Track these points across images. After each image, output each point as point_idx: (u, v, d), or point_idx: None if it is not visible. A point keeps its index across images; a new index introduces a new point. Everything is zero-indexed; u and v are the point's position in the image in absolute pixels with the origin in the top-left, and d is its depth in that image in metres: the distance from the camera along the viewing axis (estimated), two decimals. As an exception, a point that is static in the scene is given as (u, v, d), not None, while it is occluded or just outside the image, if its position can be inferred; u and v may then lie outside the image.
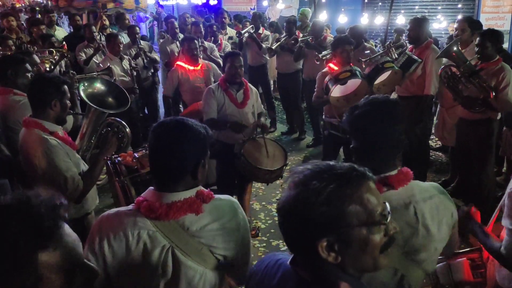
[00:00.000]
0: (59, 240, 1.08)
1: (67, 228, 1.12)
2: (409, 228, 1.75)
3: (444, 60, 5.07)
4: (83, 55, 6.75)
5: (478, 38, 4.40)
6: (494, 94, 4.20)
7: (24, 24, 9.07)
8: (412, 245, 1.76)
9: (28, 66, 3.68)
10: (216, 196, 1.83)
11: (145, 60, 6.86)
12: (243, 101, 4.40)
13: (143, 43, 7.13)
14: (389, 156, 1.82)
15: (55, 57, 5.79)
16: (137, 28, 7.27)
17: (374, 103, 1.85)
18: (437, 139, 6.54)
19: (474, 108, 4.41)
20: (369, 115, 1.80)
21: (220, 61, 6.54)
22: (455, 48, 4.40)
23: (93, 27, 7.18)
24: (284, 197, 1.24)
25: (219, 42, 7.45)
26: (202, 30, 7.25)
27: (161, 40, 7.94)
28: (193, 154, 1.74)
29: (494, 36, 4.34)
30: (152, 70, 7.25)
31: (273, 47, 7.30)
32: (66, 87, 2.83)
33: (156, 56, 7.15)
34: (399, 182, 1.78)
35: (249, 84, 4.57)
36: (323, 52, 5.90)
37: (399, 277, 1.77)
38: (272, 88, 9.09)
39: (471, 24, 5.10)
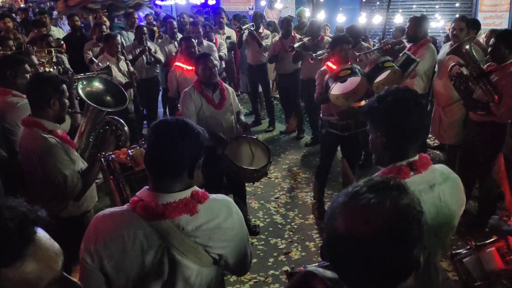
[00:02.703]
0: (30, 255, 1.03)
1: (44, 242, 1.08)
2: (435, 208, 1.88)
3: (441, 57, 5.10)
4: (91, 53, 6.74)
5: (492, 39, 4.33)
6: (497, 98, 4.11)
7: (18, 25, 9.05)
8: (437, 222, 1.89)
9: (27, 66, 3.68)
10: (212, 196, 1.84)
11: (148, 58, 6.86)
12: (221, 101, 4.35)
13: (149, 43, 7.09)
14: (415, 142, 1.94)
15: (53, 57, 5.82)
16: (145, 29, 7.22)
17: (404, 90, 1.94)
18: (434, 137, 6.56)
19: (475, 110, 4.40)
20: (403, 102, 1.86)
21: (217, 62, 6.59)
22: (467, 46, 4.33)
23: (104, 26, 7.13)
24: (377, 221, 1.09)
25: (214, 41, 7.47)
26: (201, 30, 7.26)
27: (159, 40, 7.96)
28: (193, 152, 1.76)
29: (510, 38, 4.21)
30: (158, 70, 7.23)
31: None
32: (64, 86, 2.85)
33: (161, 56, 7.13)
34: (422, 166, 1.91)
35: (224, 84, 4.53)
36: (318, 52, 5.92)
37: (427, 254, 1.88)
38: (271, 88, 9.12)
39: (468, 23, 5.10)
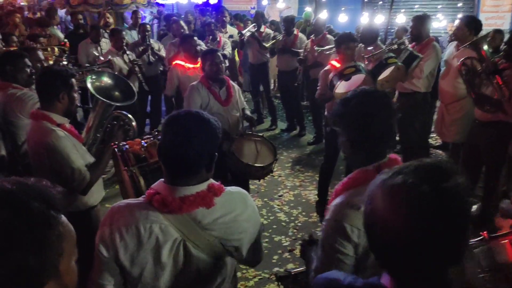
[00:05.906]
0: (63, 219, 1.09)
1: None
2: None
3: (447, 56, 5.10)
4: (85, 54, 6.82)
5: (507, 38, 4.29)
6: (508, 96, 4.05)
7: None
8: None
9: (27, 61, 3.74)
10: (227, 189, 1.82)
11: (150, 57, 6.84)
12: (227, 98, 4.38)
13: (152, 41, 7.09)
14: (383, 144, 1.86)
15: (56, 54, 5.91)
16: (148, 26, 7.22)
17: (370, 92, 1.89)
18: (437, 137, 6.57)
19: (484, 107, 4.37)
20: (367, 105, 1.81)
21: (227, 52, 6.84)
22: (484, 44, 4.25)
23: (101, 30, 7.22)
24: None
25: (218, 40, 7.48)
26: (184, 27, 7.26)
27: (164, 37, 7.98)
28: (211, 147, 1.74)
29: None
30: (161, 68, 7.22)
31: (267, 45, 7.60)
32: (74, 80, 2.85)
33: (163, 54, 7.11)
34: (391, 167, 1.84)
35: (230, 81, 4.55)
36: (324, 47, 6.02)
37: None
38: (272, 87, 9.14)
39: (468, 23, 5.07)
